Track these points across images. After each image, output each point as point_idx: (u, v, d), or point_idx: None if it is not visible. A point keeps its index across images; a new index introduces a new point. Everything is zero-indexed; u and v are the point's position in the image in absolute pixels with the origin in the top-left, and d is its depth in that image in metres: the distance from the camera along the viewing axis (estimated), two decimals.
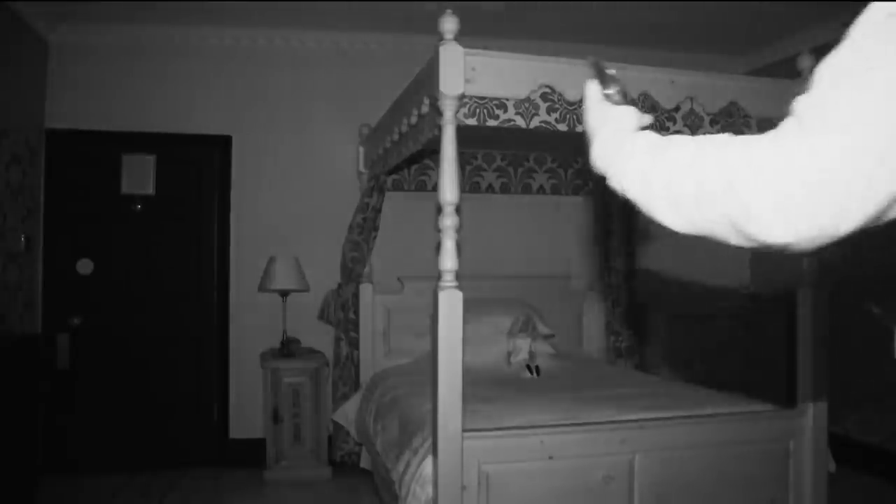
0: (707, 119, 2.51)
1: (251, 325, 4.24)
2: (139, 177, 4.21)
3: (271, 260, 4.08)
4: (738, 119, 2.55)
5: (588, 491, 2.33)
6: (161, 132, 4.20)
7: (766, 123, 2.59)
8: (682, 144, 0.80)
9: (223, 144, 4.27)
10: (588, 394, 2.98)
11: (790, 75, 2.65)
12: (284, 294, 4.12)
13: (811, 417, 2.59)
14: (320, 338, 4.24)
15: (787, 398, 2.88)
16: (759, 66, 4.77)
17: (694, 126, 2.50)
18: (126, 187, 4.19)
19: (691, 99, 2.48)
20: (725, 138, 0.77)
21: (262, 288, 4.09)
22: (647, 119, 1.02)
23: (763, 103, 2.58)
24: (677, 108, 2.47)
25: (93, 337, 4.10)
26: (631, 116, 0.96)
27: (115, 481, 3.85)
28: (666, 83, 2.46)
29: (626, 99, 1.00)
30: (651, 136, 0.87)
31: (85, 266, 4.13)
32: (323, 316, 4.15)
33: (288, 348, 4.09)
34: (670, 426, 2.49)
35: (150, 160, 4.23)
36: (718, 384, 3.50)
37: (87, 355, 4.08)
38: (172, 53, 4.22)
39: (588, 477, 2.34)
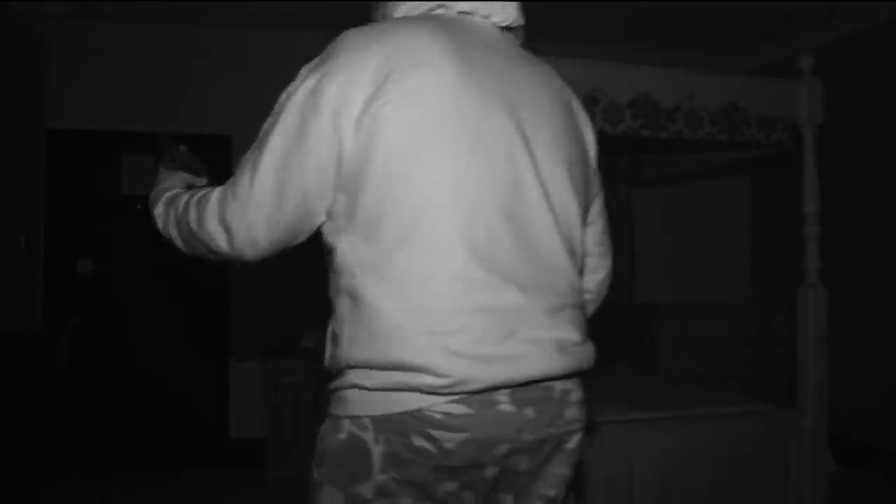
0: (707, 119, 2.51)
1: (251, 324, 4.24)
2: (139, 177, 4.21)
3: (271, 259, 4.08)
4: (738, 119, 2.55)
5: (588, 491, 2.33)
6: (161, 132, 4.19)
7: (765, 123, 2.59)
8: (182, 196, 1.17)
9: (223, 144, 4.27)
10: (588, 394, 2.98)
11: (790, 75, 2.64)
12: (285, 293, 4.12)
13: (811, 417, 2.59)
14: (320, 337, 4.23)
15: (787, 398, 2.87)
16: (759, 66, 4.77)
17: (694, 126, 2.49)
18: (126, 187, 4.19)
19: (691, 99, 2.48)
20: (204, 191, 1.12)
21: (262, 287, 4.09)
22: (202, 180, 1.41)
23: (763, 103, 2.58)
24: (677, 109, 2.47)
25: (93, 337, 4.10)
26: (177, 179, 1.35)
27: (114, 481, 3.85)
28: (666, 83, 2.45)
29: (185, 167, 1.39)
30: (172, 193, 1.24)
31: (85, 266, 4.13)
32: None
33: (288, 348, 4.09)
34: (670, 426, 2.49)
35: (151, 160, 4.23)
36: (718, 384, 3.50)
37: (86, 355, 4.08)
38: (172, 53, 4.22)
39: (588, 477, 2.34)
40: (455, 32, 1.06)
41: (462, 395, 0.96)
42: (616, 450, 2.38)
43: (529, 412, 1.02)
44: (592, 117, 2.38)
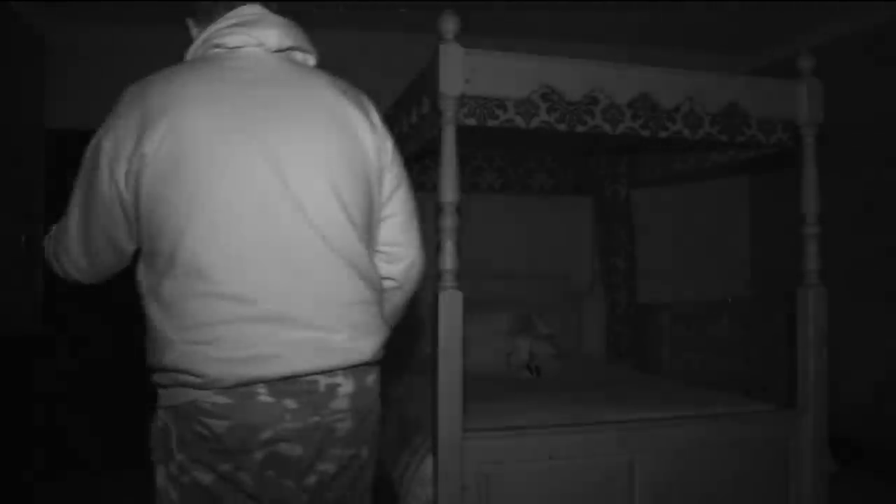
0: (707, 119, 2.51)
1: None
2: None
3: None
4: (738, 119, 2.55)
5: (588, 491, 2.33)
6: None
7: (765, 123, 2.59)
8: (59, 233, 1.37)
9: None
10: (588, 394, 2.98)
11: (790, 75, 2.64)
12: None
13: (811, 417, 2.59)
14: None
15: (787, 398, 2.88)
16: (759, 66, 4.77)
17: (694, 126, 2.49)
18: None
19: (691, 99, 2.48)
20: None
21: None
22: None
23: (763, 103, 2.58)
24: (677, 109, 2.47)
25: (93, 337, 4.10)
26: None
27: (114, 481, 3.85)
28: (666, 83, 2.45)
29: None
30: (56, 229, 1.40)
31: None
32: None
33: None
34: (670, 426, 2.49)
35: None
36: (718, 384, 3.50)
37: (86, 355, 4.08)
38: (172, 53, 4.21)
39: (588, 477, 2.34)
40: (217, 71, 1.26)
41: (224, 389, 1.17)
42: (616, 450, 2.38)
43: (289, 403, 1.20)
44: (592, 117, 2.38)
